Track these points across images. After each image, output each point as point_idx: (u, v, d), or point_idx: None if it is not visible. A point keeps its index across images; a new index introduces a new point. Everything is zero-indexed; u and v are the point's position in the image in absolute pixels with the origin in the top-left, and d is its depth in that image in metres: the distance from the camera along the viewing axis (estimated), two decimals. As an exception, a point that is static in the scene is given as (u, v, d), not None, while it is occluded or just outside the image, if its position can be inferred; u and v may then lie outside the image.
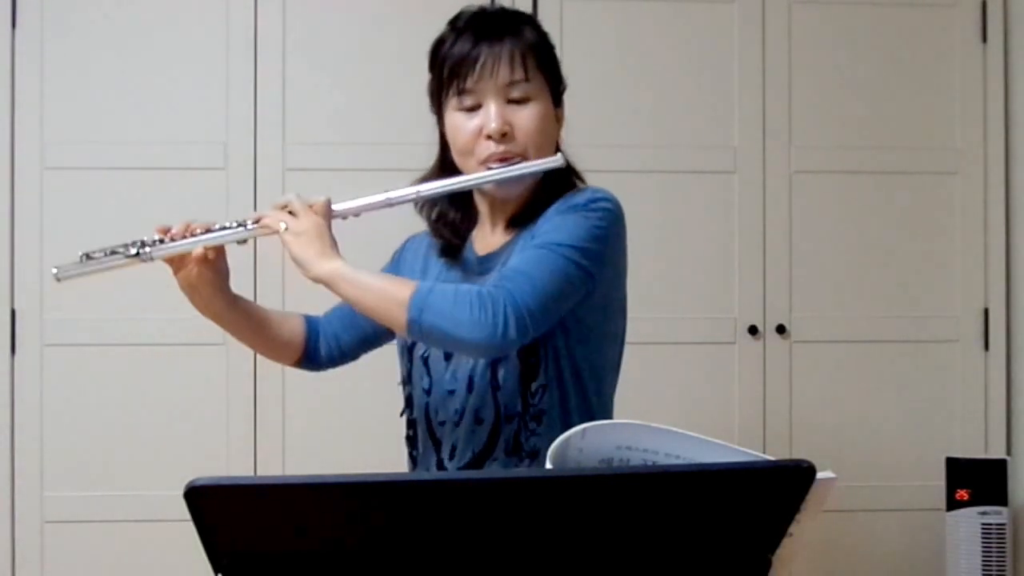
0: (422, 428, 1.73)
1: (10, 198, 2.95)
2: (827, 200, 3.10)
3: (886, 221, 3.12)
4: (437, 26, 1.75)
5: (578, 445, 1.22)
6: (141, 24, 2.99)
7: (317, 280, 1.58)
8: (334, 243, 1.60)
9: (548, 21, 2.91)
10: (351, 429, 2.95)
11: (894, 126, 3.12)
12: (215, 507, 1.07)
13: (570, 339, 1.64)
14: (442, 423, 1.70)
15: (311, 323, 1.87)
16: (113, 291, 2.95)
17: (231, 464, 2.94)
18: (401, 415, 1.79)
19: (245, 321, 1.78)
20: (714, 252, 3.07)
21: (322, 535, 1.10)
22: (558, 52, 1.75)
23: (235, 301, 1.75)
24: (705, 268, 3.07)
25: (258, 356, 2.27)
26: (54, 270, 1.65)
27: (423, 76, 1.77)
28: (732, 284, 3.07)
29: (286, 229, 1.59)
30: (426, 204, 1.78)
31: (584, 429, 1.22)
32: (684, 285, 3.05)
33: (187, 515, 1.07)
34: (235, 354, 2.85)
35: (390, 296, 1.54)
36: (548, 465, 1.20)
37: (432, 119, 1.77)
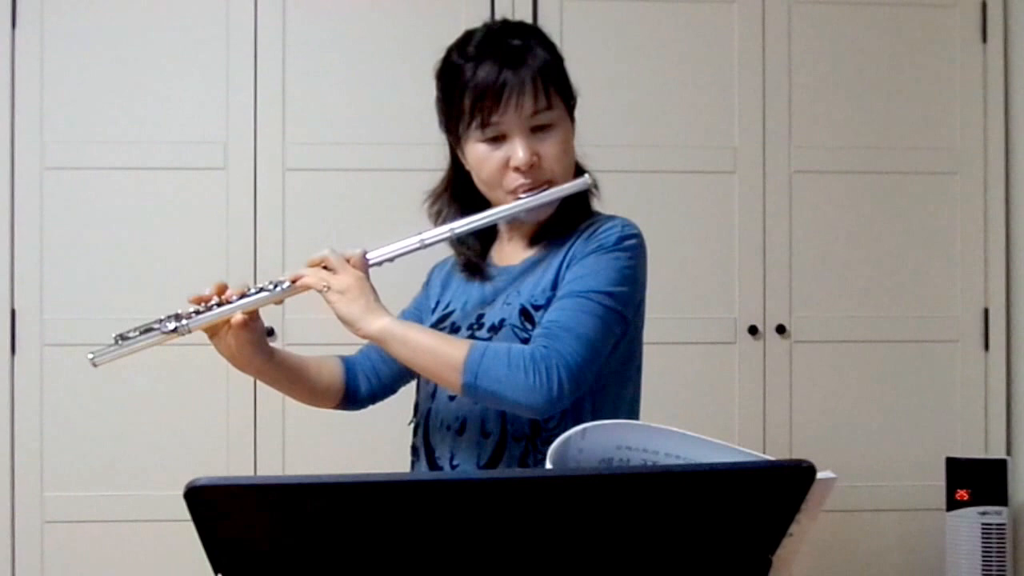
0: (421, 434, 1.73)
1: (10, 198, 2.95)
2: (827, 200, 3.10)
3: (886, 221, 3.12)
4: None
5: (578, 445, 1.22)
6: (141, 24, 2.99)
7: (367, 338, 1.59)
8: (376, 296, 1.60)
9: (548, 22, 2.92)
10: (351, 429, 2.94)
11: (894, 126, 3.12)
12: (215, 507, 1.07)
13: None
14: (438, 428, 1.69)
15: (348, 363, 1.85)
16: (113, 291, 2.95)
17: (231, 464, 2.94)
18: (409, 424, 1.78)
19: (285, 373, 1.77)
20: (714, 252, 3.07)
21: (322, 535, 1.10)
22: (558, 53, 1.74)
23: (274, 355, 1.74)
24: (705, 268, 3.07)
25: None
26: (90, 355, 1.62)
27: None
28: (732, 284, 3.07)
29: (328, 289, 1.58)
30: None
31: (584, 429, 1.22)
32: (684, 285, 3.05)
33: (187, 515, 1.07)
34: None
35: (443, 359, 1.55)
36: (548, 465, 1.20)
37: (438, 131, 1.74)
